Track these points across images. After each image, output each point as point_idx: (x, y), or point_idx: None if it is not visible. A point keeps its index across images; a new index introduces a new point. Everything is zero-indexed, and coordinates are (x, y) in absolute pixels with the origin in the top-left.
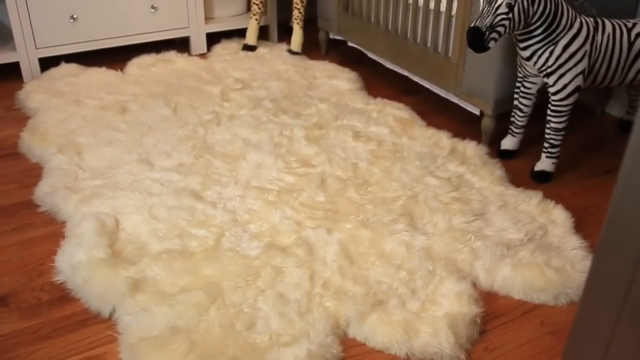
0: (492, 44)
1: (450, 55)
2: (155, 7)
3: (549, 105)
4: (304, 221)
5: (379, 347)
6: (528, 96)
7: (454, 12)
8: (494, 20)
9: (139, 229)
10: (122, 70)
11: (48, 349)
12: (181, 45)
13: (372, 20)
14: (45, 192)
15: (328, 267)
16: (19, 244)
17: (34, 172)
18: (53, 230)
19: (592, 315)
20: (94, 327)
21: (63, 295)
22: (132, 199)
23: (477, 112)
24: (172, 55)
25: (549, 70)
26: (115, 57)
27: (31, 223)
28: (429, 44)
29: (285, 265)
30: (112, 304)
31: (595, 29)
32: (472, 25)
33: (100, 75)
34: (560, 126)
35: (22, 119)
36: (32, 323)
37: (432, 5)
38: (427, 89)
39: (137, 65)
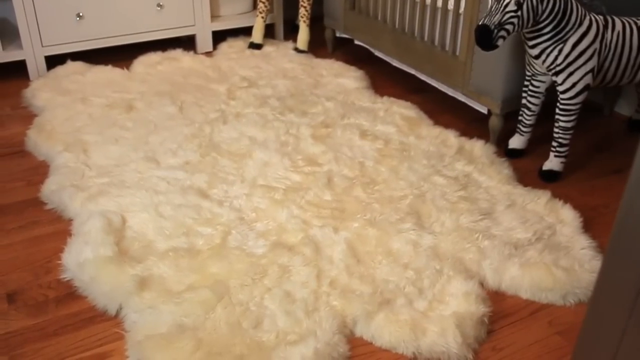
0: (500, 42)
1: (457, 53)
2: (161, 5)
3: (558, 104)
4: (311, 220)
5: (386, 346)
6: (536, 95)
7: (461, 10)
8: (502, 18)
9: (146, 227)
10: (128, 68)
11: (55, 346)
12: (187, 43)
13: (379, 18)
14: (52, 190)
15: (335, 265)
16: (26, 242)
17: (40, 170)
18: (60, 228)
19: (603, 315)
20: (100, 324)
21: (70, 293)
22: (139, 197)
23: (484, 110)
24: (178, 53)
25: (557, 68)
26: (121, 55)
27: (38, 221)
28: (436, 42)
29: (291, 264)
30: (118, 301)
31: (605, 26)
32: (480, 23)
33: (106, 73)
34: (568, 125)
35: (28, 117)
36: (39, 320)
37: (439, 3)
38: (434, 88)
39: (143, 63)
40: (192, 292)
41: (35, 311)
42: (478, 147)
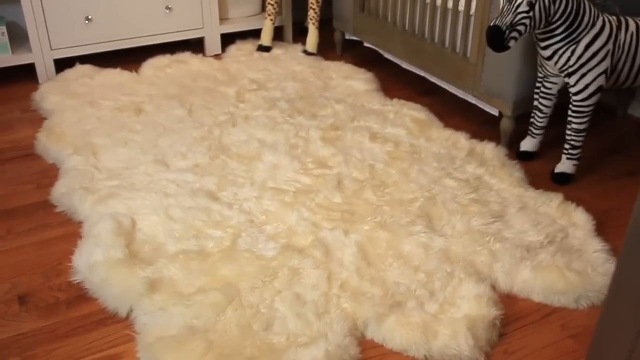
0: (512, 43)
1: (468, 55)
2: (170, 8)
3: (570, 106)
4: (321, 222)
5: (397, 349)
6: (548, 97)
7: (472, 11)
8: (514, 19)
9: (156, 229)
10: (137, 71)
11: (67, 347)
12: (196, 46)
13: (389, 20)
14: (62, 193)
15: (345, 268)
16: (37, 244)
17: (50, 173)
18: (70, 231)
19: (616, 319)
20: (111, 326)
21: (81, 295)
22: (149, 199)
23: (496, 113)
24: (187, 56)
25: (570, 70)
26: (130, 58)
27: (48, 223)
28: (447, 44)
29: (302, 267)
30: (129, 304)
31: (619, 27)
32: (492, 24)
33: (115, 76)
34: (581, 127)
35: (38, 120)
36: (50, 322)
37: (450, 4)
38: (444, 90)
39: (152, 66)
40: (202, 295)
41: (47, 313)
42: (489, 150)
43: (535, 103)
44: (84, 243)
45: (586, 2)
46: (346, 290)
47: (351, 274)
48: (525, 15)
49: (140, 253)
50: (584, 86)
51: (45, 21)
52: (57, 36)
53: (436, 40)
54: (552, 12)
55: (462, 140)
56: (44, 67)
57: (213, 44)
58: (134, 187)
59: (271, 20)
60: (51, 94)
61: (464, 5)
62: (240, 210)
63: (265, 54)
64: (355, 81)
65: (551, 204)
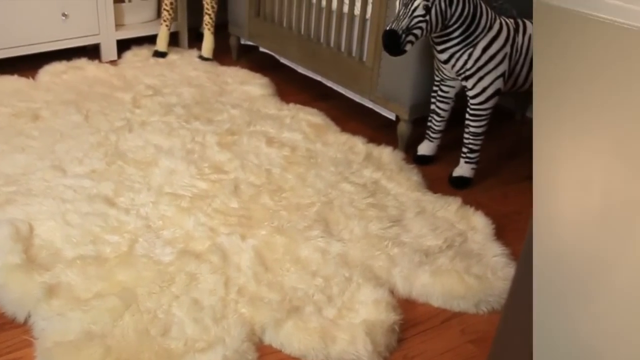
0: (408, 47)
1: (364, 59)
2: (66, 15)
3: (468, 110)
4: (218, 227)
5: (295, 354)
6: (445, 100)
7: (368, 15)
8: (410, 22)
9: (53, 235)
10: (33, 77)
11: None
12: (92, 52)
13: (284, 24)
14: None
15: (243, 273)
16: None
17: None
18: None
19: (516, 323)
20: (9, 331)
21: None
22: (46, 205)
23: (392, 117)
24: (83, 62)
25: (467, 73)
26: (26, 64)
27: None
28: (342, 48)
29: (199, 272)
30: (27, 309)
31: (516, 30)
32: (387, 28)
33: (11, 82)
34: (479, 131)
35: None
36: None
37: (345, 9)
38: (341, 94)
39: (49, 72)
40: (99, 300)
41: None
42: (386, 154)
43: (432, 107)
44: None
45: (483, 5)
46: (243, 295)
47: (248, 278)
48: (421, 18)
49: (37, 258)
50: (481, 89)
51: None
52: None
53: (332, 44)
54: (449, 15)
55: (358, 144)
56: None
57: (109, 50)
58: (31, 192)
59: (166, 25)
60: None
61: (359, 9)
62: (137, 215)
63: (160, 60)
64: (251, 86)
65: (449, 207)
